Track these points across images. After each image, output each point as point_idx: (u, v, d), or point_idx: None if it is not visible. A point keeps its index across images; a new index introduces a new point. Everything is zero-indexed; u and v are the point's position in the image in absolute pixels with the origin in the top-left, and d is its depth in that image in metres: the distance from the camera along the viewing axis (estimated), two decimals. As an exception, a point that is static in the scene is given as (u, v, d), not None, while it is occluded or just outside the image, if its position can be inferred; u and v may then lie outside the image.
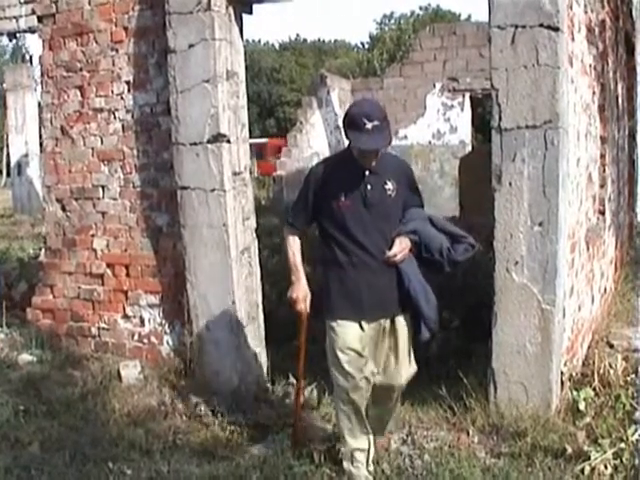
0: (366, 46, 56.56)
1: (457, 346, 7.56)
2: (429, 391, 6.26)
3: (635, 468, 4.85)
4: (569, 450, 5.08)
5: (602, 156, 8.68)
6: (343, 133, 4.90)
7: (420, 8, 50.81)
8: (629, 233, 12.62)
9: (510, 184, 5.69)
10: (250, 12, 6.98)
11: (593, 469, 4.88)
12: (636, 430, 5.19)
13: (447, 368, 6.80)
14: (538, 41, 5.52)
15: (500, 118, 5.70)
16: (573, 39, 6.30)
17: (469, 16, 51.42)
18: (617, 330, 7.53)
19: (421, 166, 20.31)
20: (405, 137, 20.38)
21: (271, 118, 58.18)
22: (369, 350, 5.01)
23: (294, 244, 5.15)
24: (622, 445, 5.05)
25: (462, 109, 19.92)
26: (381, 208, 4.92)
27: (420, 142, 20.29)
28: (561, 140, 5.57)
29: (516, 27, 5.57)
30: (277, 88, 58.60)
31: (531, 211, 5.64)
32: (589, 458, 4.94)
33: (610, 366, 6.30)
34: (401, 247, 4.94)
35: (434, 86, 19.88)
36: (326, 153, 19.26)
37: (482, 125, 23.08)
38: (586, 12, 7.17)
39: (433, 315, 5.05)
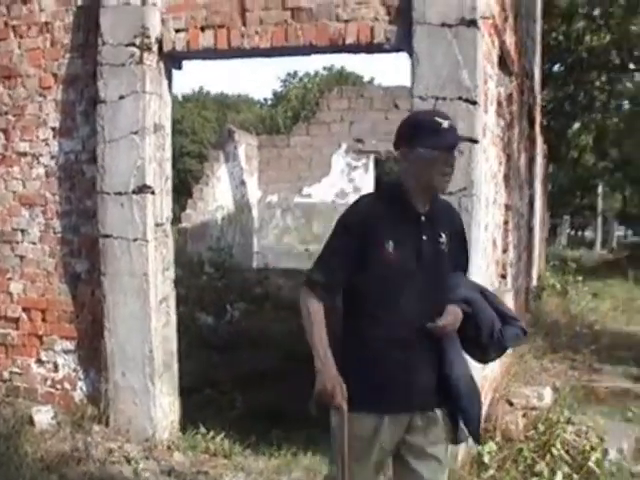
0: (269, 102, 57.18)
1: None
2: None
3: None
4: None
5: (506, 222, 9.09)
6: (402, 150, 3.72)
7: (324, 68, 51.66)
8: (525, 297, 13.09)
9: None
10: (179, 67, 7.19)
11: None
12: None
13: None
14: (457, 113, 5.86)
15: (418, 184, 6.00)
16: (486, 112, 6.69)
17: (372, 79, 52.55)
18: (516, 389, 7.85)
19: (323, 224, 20.64)
20: (309, 195, 20.75)
21: (173, 169, 57.96)
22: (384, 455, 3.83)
23: (318, 316, 3.72)
24: (524, 496, 5.36)
25: (366, 170, 20.40)
26: (433, 267, 3.72)
27: (324, 201, 20.65)
28: (474, 207, 5.92)
29: (437, 99, 5.92)
30: (179, 139, 58.69)
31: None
32: (494, 507, 5.23)
33: (511, 422, 6.62)
34: (453, 318, 3.72)
35: (340, 146, 20.33)
36: (231, 208, 19.48)
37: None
38: (497, 87, 7.60)
39: (477, 414, 3.87)
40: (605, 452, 6.26)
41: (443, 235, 3.79)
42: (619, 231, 60.66)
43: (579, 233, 60.58)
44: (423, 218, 3.72)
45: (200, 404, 7.77)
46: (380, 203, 3.77)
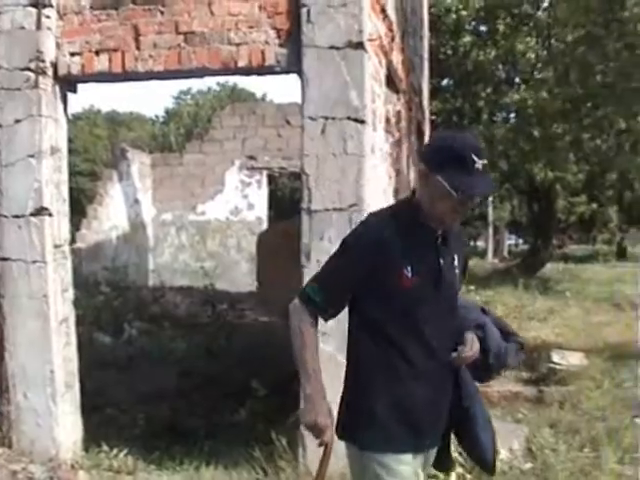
0: (161, 120, 56.91)
1: (266, 413, 7.93)
2: (242, 454, 6.59)
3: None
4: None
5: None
6: (424, 169, 3.40)
7: (217, 84, 51.76)
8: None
9: (318, 261, 6.14)
10: (75, 91, 7.26)
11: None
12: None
13: (257, 433, 7.14)
14: (346, 132, 6.13)
15: (310, 201, 6.23)
16: (375, 130, 6.95)
17: (264, 95, 52.85)
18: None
19: (218, 242, 20.83)
20: (203, 213, 20.89)
21: (64, 188, 57.11)
22: None
23: (311, 338, 3.43)
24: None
25: (259, 187, 20.63)
26: (449, 292, 3.50)
27: (218, 218, 20.82)
28: (364, 222, 6.16)
29: (326, 119, 6.17)
30: (71, 158, 57.85)
31: (337, 286, 6.15)
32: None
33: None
34: (476, 347, 3.54)
35: (233, 163, 20.52)
36: (125, 227, 19.47)
37: (276, 202, 23.84)
38: (385, 105, 7.88)
39: (493, 445, 3.64)
40: (496, 452, 6.55)
41: (456, 258, 3.57)
42: (510, 240, 62.04)
43: (472, 243, 61.72)
44: (439, 240, 3.46)
45: (102, 423, 7.80)
46: (393, 222, 3.41)
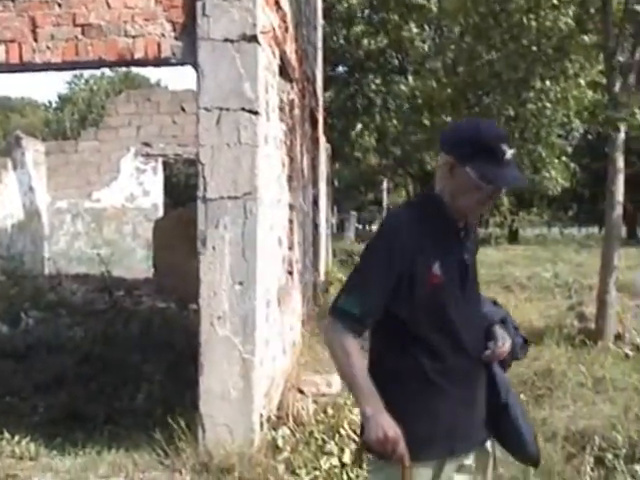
0: (55, 105, 55.92)
1: (162, 396, 8.06)
2: (142, 437, 6.74)
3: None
4: (272, 481, 5.80)
5: (290, 221, 9.59)
6: (449, 160, 3.22)
7: (111, 70, 51.01)
8: (314, 291, 13.69)
9: (214, 248, 6.37)
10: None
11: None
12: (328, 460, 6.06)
13: (156, 417, 7.27)
14: (240, 123, 6.32)
15: (205, 189, 6.40)
16: (268, 119, 7.15)
17: (159, 81, 52.42)
18: (307, 378, 8.37)
19: (114, 229, 20.76)
20: (99, 200, 20.78)
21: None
22: None
23: (358, 354, 3.13)
24: (317, 473, 5.92)
25: (155, 173, 20.62)
26: (473, 288, 3.39)
27: (114, 205, 20.73)
28: (259, 209, 6.39)
29: (221, 109, 6.35)
30: (-40, 146, 56.55)
31: (232, 272, 6.36)
32: (289, 486, 5.71)
33: (302, 408, 7.13)
34: (508, 342, 3.40)
35: (128, 150, 20.46)
36: (20, 215, 19.27)
37: (171, 189, 23.84)
38: (278, 94, 8.09)
39: (533, 436, 3.49)
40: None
41: (473, 249, 3.44)
42: (404, 224, 62.76)
43: (367, 227, 62.34)
44: (462, 234, 3.33)
45: (1, 412, 7.83)
46: (418, 217, 3.25)
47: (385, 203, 49.98)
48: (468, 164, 3.13)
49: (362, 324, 3.16)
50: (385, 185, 46.91)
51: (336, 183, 30.04)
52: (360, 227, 60.65)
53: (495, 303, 3.65)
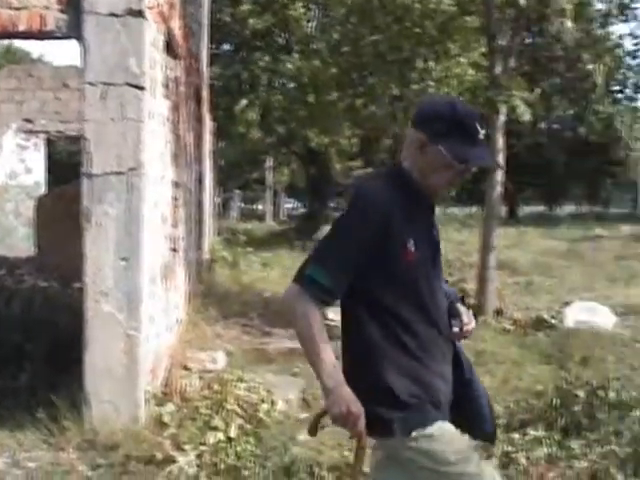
0: None
1: (46, 375, 7.98)
2: (26, 417, 6.64)
3: (215, 465, 5.73)
4: (158, 457, 5.81)
5: (175, 199, 9.56)
6: (420, 137, 3.14)
7: (-9, 43, 49.62)
8: (198, 269, 13.69)
9: (98, 224, 6.34)
10: None
11: (181, 470, 5.66)
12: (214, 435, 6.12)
13: (38, 397, 7.18)
14: (125, 98, 6.29)
15: (90, 165, 6.36)
16: (154, 96, 7.12)
17: (41, 56, 51.17)
18: (192, 355, 8.40)
19: (-6, 207, 20.31)
20: (-23, 177, 20.28)
21: None
22: None
23: (320, 327, 3.02)
24: (203, 448, 5.95)
25: (37, 150, 20.22)
26: (440, 264, 3.34)
27: (-6, 182, 20.28)
28: (143, 185, 6.39)
29: (106, 84, 6.30)
30: None
31: (117, 248, 6.35)
32: (176, 461, 5.73)
33: (187, 385, 7.17)
34: (473, 319, 3.42)
35: (9, 127, 19.99)
36: None
37: (54, 166, 23.43)
38: (164, 70, 8.05)
39: (491, 414, 3.48)
40: (274, 403, 6.99)
41: (437, 228, 3.36)
42: (288, 203, 63.13)
43: (252, 206, 62.30)
44: (431, 210, 3.30)
45: None
46: (393, 190, 3.13)
47: (269, 182, 49.98)
48: (441, 142, 3.08)
49: (330, 295, 3.07)
50: (269, 164, 46.89)
51: (221, 162, 29.91)
52: (244, 206, 60.68)
53: (446, 281, 3.54)
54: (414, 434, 3.05)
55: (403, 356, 3.09)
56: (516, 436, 6.17)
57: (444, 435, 3.08)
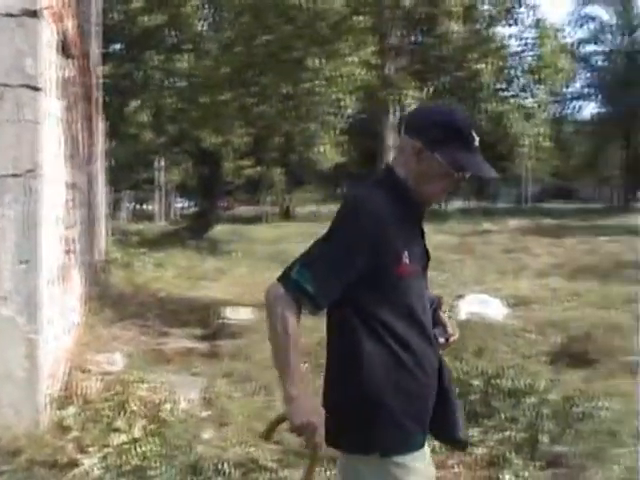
0: None
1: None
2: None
3: (120, 466, 5.75)
4: (62, 460, 5.78)
5: (69, 200, 9.46)
6: (416, 145, 3.06)
7: None
8: (92, 271, 13.54)
9: (-5, 228, 6.25)
10: None
11: (86, 473, 5.66)
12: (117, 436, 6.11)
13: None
14: (21, 99, 6.22)
15: (-14, 167, 6.25)
16: (49, 96, 7.04)
17: None
18: (90, 357, 8.35)
19: None
20: None
21: None
22: None
23: (296, 333, 2.93)
24: (107, 450, 5.96)
25: None
26: (427, 273, 3.27)
27: None
28: (41, 187, 6.32)
29: (2, 86, 6.21)
30: None
31: (16, 251, 6.26)
32: (80, 465, 5.71)
33: (88, 387, 7.13)
34: (457, 331, 3.44)
35: None
36: None
37: None
38: (58, 71, 7.96)
39: (462, 421, 3.37)
40: (176, 403, 7.01)
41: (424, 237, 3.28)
42: (179, 203, 62.71)
43: (142, 206, 61.64)
44: (421, 220, 3.24)
45: None
46: (387, 201, 3.03)
47: (160, 182, 49.60)
48: (437, 150, 3.01)
49: (313, 303, 2.94)
50: (161, 163, 46.50)
51: (111, 162, 29.62)
52: (135, 206, 60.06)
53: None
54: (394, 458, 2.99)
55: (398, 371, 3.00)
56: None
57: (416, 468, 3.02)
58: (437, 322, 3.31)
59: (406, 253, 2.99)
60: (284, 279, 2.96)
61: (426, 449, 3.14)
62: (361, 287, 2.97)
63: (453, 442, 3.40)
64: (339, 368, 3.09)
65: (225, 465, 5.77)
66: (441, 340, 3.29)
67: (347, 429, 3.02)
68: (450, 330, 3.34)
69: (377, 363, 2.96)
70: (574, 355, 9.00)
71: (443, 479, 5.48)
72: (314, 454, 3.00)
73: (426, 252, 3.22)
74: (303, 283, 2.90)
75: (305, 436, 2.91)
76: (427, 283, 3.23)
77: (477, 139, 3.06)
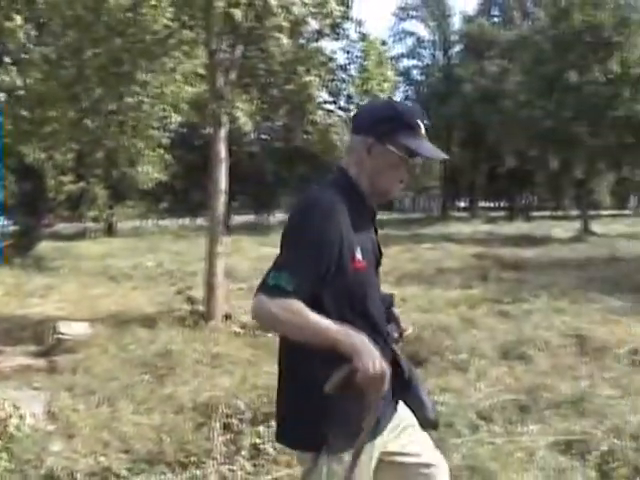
0: None
1: None
2: None
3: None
4: None
5: None
6: (367, 141, 3.22)
7: None
8: None
9: None
10: None
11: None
12: None
13: None
14: None
15: None
16: None
17: None
18: None
19: None
20: None
21: None
22: None
23: (301, 306, 2.93)
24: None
25: None
26: (379, 270, 3.40)
27: None
28: None
29: None
30: None
31: None
32: None
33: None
34: (411, 327, 3.60)
35: None
36: None
37: None
38: None
39: (431, 402, 3.51)
40: (22, 417, 6.98)
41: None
42: None
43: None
44: (373, 218, 3.36)
45: None
46: (343, 200, 3.13)
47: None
48: (388, 141, 3.16)
49: (298, 299, 2.95)
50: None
51: None
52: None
53: None
54: (341, 455, 3.06)
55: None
56: (262, 428, 6.53)
57: (361, 461, 3.03)
58: (390, 318, 3.44)
59: (359, 250, 3.11)
60: (262, 288, 3.00)
61: (377, 441, 3.22)
62: (320, 284, 3.04)
63: (424, 423, 3.48)
64: (290, 365, 3.21)
65: (79, 475, 5.82)
66: (395, 335, 3.42)
67: (296, 425, 3.13)
68: (403, 325, 3.48)
69: (325, 358, 2.91)
70: (407, 356, 9.41)
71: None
72: (372, 410, 2.94)
73: (379, 249, 3.35)
74: (282, 284, 2.94)
75: (374, 384, 2.86)
76: (379, 280, 3.36)
77: (423, 125, 3.23)
